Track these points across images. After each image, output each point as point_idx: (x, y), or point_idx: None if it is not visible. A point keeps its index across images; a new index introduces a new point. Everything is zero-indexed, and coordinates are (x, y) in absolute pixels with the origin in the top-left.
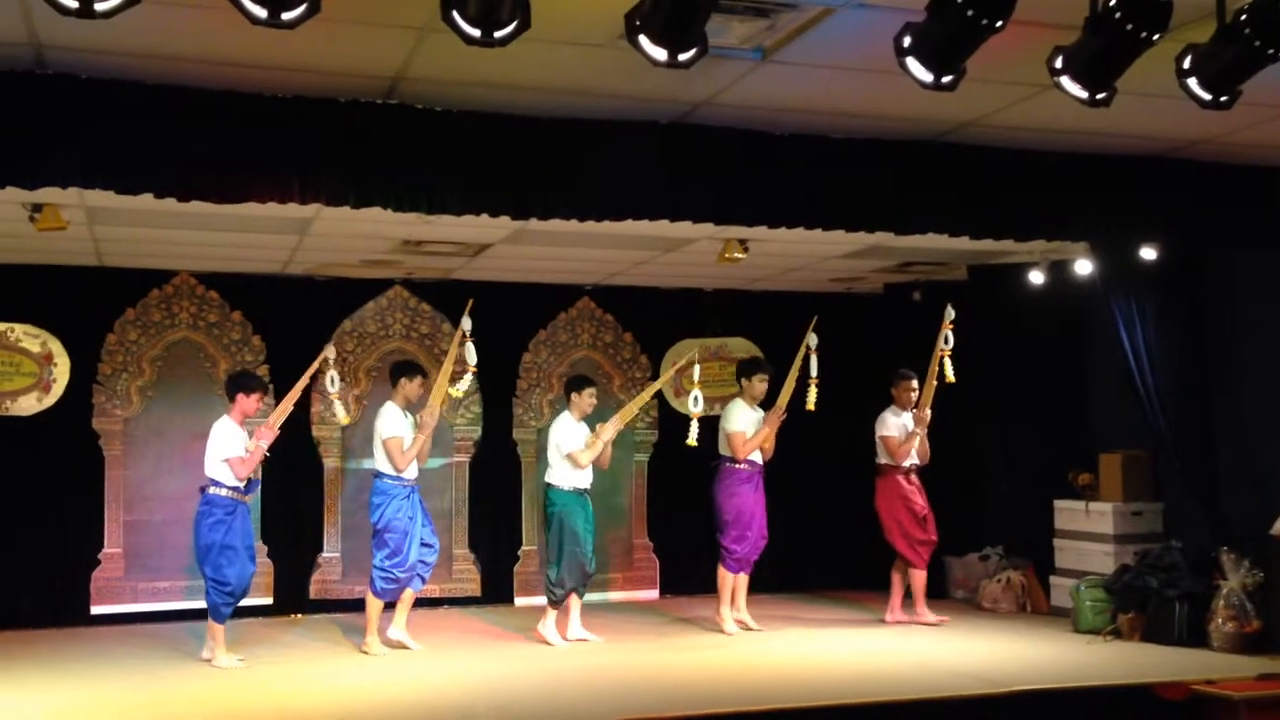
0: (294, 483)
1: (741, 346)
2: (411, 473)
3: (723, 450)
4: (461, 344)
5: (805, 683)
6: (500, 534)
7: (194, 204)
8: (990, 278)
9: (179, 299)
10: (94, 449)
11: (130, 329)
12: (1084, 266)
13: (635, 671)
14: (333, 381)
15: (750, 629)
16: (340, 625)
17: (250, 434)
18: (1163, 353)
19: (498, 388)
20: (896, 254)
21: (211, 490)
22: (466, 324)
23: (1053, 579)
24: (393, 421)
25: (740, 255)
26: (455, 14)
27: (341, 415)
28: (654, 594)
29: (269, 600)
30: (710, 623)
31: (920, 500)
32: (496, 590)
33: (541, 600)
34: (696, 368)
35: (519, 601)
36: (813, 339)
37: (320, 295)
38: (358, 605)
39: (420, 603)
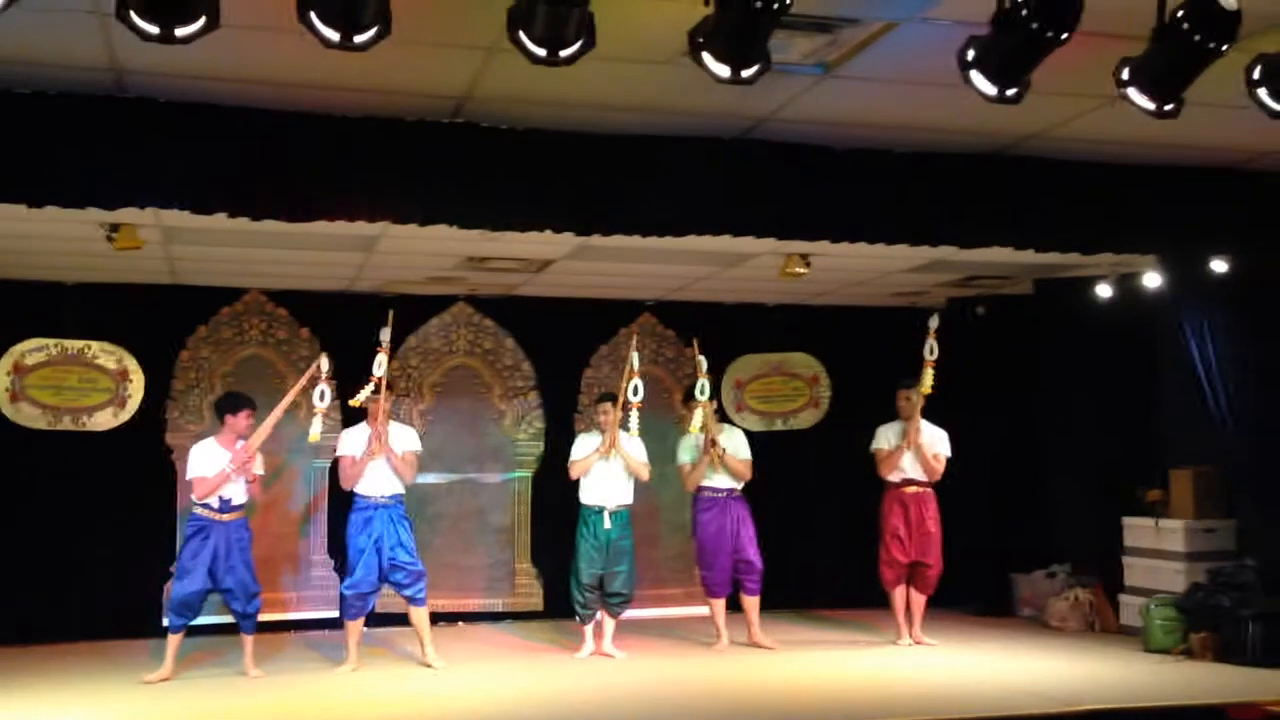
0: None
1: (803, 362)
2: (373, 489)
3: None
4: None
5: (870, 702)
6: (562, 549)
7: (265, 223)
8: (1057, 291)
9: (249, 316)
10: (166, 464)
11: (202, 345)
12: (1153, 280)
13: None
14: (322, 396)
15: (765, 647)
16: (392, 639)
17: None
18: (1234, 367)
19: (560, 403)
20: (960, 268)
21: (191, 508)
22: (384, 334)
23: (1122, 597)
24: (344, 440)
25: (802, 270)
26: (522, 34)
27: (315, 432)
28: None
29: (335, 614)
30: (749, 643)
31: (900, 520)
32: (559, 605)
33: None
34: (635, 355)
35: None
36: (702, 361)
37: (386, 312)
38: (404, 620)
39: (482, 617)
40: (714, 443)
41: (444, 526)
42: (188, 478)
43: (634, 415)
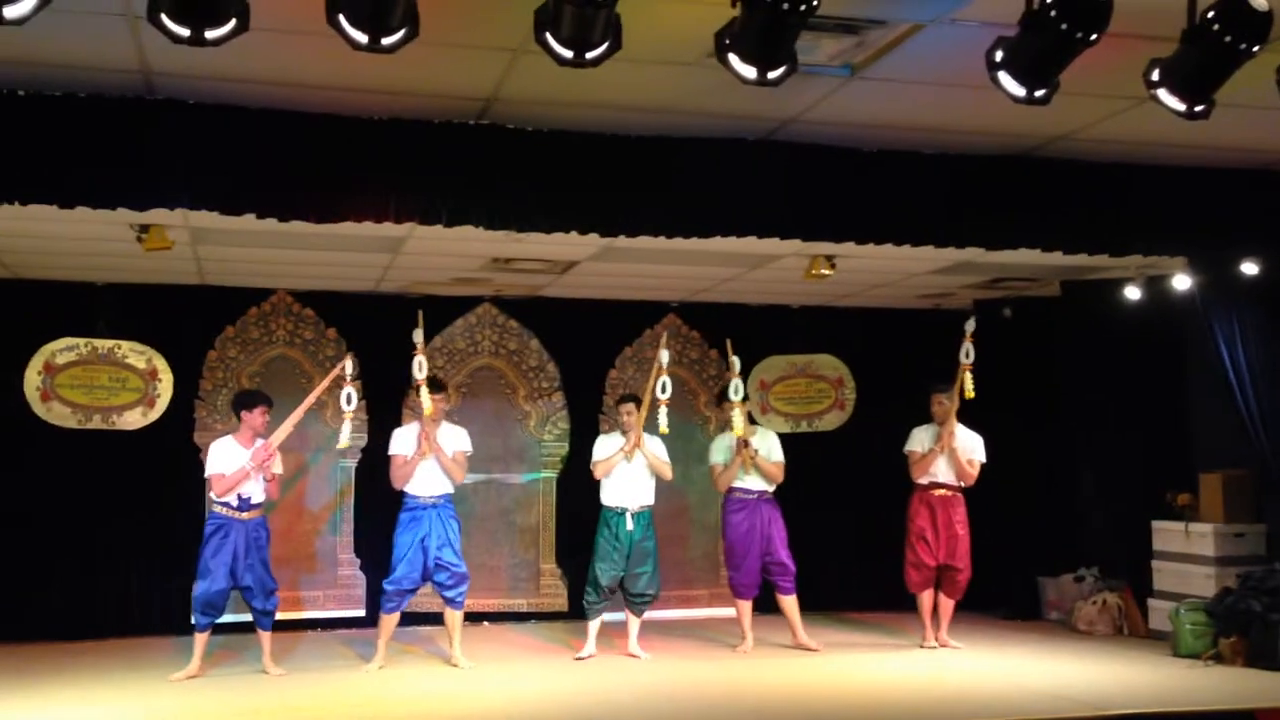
0: (387, 499)
1: (829, 364)
2: (423, 489)
3: None
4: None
5: (895, 705)
6: (586, 550)
7: (293, 224)
8: (1084, 293)
9: (276, 316)
10: (195, 463)
11: (230, 345)
12: (1182, 282)
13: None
14: (349, 399)
15: (809, 649)
16: (421, 637)
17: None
18: (1265, 370)
19: (585, 404)
20: (987, 270)
21: (211, 507)
22: (418, 336)
23: (1151, 602)
24: (396, 439)
25: (827, 272)
26: (549, 36)
27: (345, 438)
28: None
29: (361, 613)
30: (778, 645)
31: (927, 522)
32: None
33: (619, 616)
34: (664, 353)
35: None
36: (735, 362)
37: (411, 312)
38: (440, 619)
39: (507, 617)
40: (746, 444)
41: (469, 527)
42: (207, 474)
43: (663, 412)
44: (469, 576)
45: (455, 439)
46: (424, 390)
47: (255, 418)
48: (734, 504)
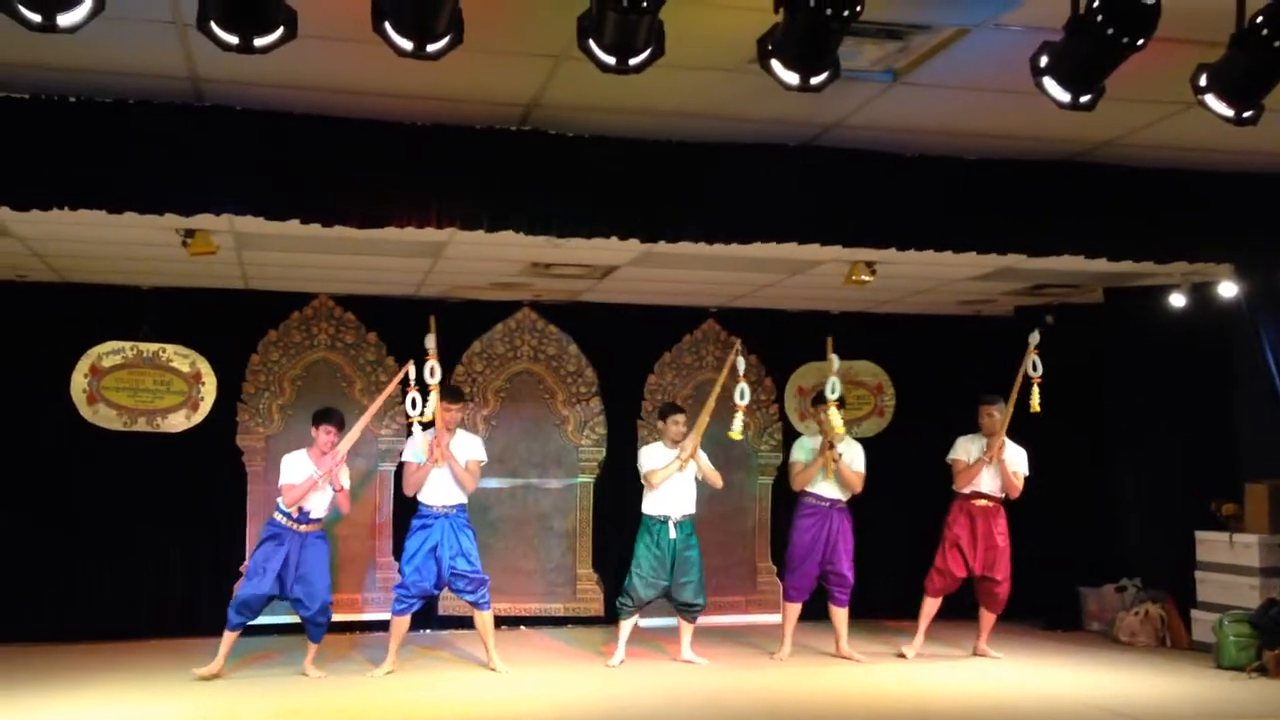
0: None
1: (868, 370)
2: (434, 499)
3: None
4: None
5: (933, 715)
6: (623, 555)
7: (336, 229)
8: (1128, 300)
9: (318, 320)
10: (237, 465)
11: (272, 349)
12: (1228, 289)
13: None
14: (414, 404)
15: (852, 659)
16: (454, 641)
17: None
18: None
19: (623, 409)
20: (1029, 276)
21: (272, 514)
22: (430, 341)
23: (1194, 613)
24: (410, 445)
25: (868, 278)
26: (591, 42)
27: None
28: (778, 618)
29: None
30: (819, 653)
31: (965, 530)
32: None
33: (662, 622)
34: (740, 360)
35: (641, 622)
36: (834, 360)
37: (451, 317)
38: (473, 623)
39: (543, 622)
40: (831, 445)
41: (506, 531)
42: (279, 484)
43: (738, 417)
44: (488, 579)
45: (469, 448)
46: (433, 395)
47: (320, 435)
48: (806, 509)
